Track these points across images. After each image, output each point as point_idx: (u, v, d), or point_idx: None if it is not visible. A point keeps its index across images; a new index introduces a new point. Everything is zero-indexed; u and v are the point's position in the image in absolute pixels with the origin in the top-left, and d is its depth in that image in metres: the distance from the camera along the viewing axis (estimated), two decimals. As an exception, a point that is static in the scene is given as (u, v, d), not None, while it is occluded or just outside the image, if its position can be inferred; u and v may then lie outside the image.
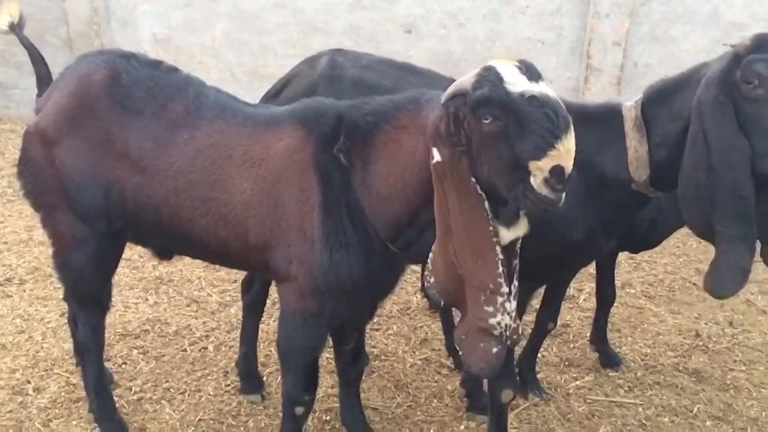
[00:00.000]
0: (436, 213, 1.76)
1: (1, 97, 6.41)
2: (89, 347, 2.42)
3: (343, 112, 1.97)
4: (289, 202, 1.96)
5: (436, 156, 1.68)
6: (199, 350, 3.08)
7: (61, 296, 3.41)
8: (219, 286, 3.64)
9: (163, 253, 2.35)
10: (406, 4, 5.55)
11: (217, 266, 3.13)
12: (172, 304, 3.46)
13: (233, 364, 2.90)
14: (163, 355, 3.03)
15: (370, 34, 5.68)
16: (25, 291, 3.49)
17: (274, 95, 2.77)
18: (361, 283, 1.94)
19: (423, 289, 2.42)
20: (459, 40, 5.60)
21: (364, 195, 1.90)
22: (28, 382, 2.80)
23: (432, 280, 1.90)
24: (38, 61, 2.44)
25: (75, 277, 2.29)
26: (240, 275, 3.53)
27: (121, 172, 2.08)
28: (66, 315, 3.23)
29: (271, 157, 1.99)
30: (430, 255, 1.89)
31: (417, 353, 3.09)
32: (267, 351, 3.06)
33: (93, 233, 2.19)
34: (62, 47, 6.00)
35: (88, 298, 2.35)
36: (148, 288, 3.58)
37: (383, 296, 2.20)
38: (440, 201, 1.73)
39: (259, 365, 2.86)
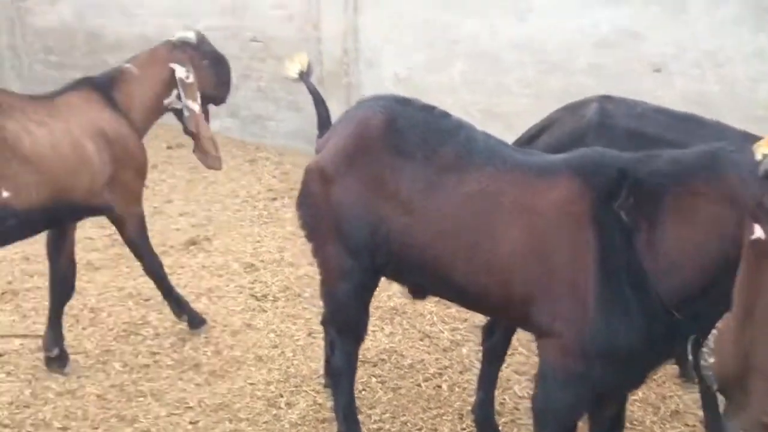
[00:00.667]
0: (737, 292, 1.57)
1: (260, 127, 7.19)
2: (342, 373, 2.55)
3: (627, 166, 1.87)
4: (560, 255, 1.90)
5: (758, 232, 1.51)
6: (434, 387, 3.11)
7: (308, 316, 3.71)
8: (450, 323, 3.67)
9: (419, 291, 2.42)
10: (656, 42, 5.24)
11: (448, 302, 3.15)
12: (406, 336, 3.55)
13: (469, 408, 2.88)
14: (400, 387, 3.11)
15: (613, 73, 5.44)
16: (277, 308, 3.82)
17: (528, 141, 2.74)
18: (637, 350, 1.81)
19: (695, 365, 2.20)
20: (716, 81, 5.14)
21: (648, 258, 1.77)
22: (281, 396, 3.03)
23: (711, 360, 1.71)
24: (320, 105, 2.67)
25: (337, 305, 2.44)
26: (471, 314, 3.54)
27: (391, 212, 2.18)
28: (313, 335, 3.52)
29: (542, 206, 1.95)
30: (714, 332, 1.70)
31: (667, 426, 2.82)
32: (501, 399, 3.00)
33: (358, 267, 2.32)
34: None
35: (346, 326, 2.49)
36: (383, 317, 3.71)
37: (658, 364, 2.03)
38: (748, 281, 1.54)
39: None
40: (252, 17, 6.82)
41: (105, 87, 3.10)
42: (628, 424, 2.82)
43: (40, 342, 3.41)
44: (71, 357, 3.26)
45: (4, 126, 2.53)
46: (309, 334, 3.55)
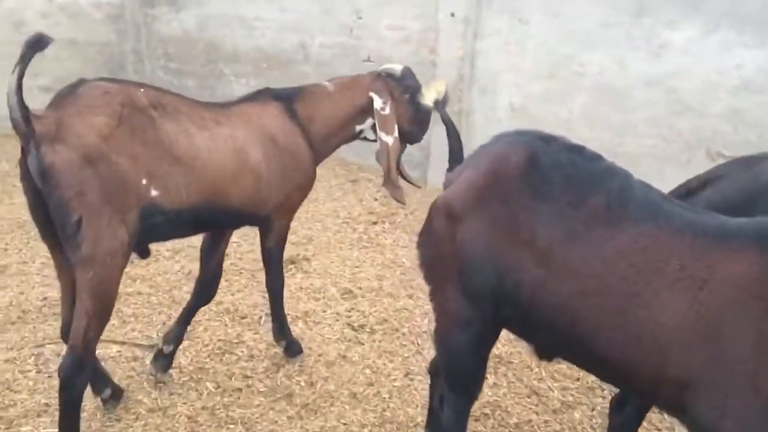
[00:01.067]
0: None
1: (364, 147, 7.08)
2: (450, 433, 2.31)
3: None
4: (739, 344, 1.59)
5: None
6: (543, 455, 2.82)
7: (406, 354, 3.50)
8: (560, 381, 3.35)
9: (545, 352, 2.15)
10: (810, 90, 4.73)
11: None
12: (511, 390, 3.26)
13: (584, 486, 2.57)
14: (505, 450, 2.83)
15: (754, 119, 4.96)
16: (374, 341, 3.63)
17: (685, 195, 2.42)
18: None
19: None
20: None
21: None
22: (376, 441, 2.83)
23: None
24: (453, 137, 2.48)
25: (452, 357, 2.21)
26: (583, 373, 3.22)
27: (523, 260, 1.93)
28: (410, 375, 3.29)
29: (720, 281, 1.65)
30: None
31: None
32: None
33: (479, 316, 2.09)
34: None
35: (460, 381, 2.25)
36: (488, 367, 3.44)
37: None
38: None
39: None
40: (368, 36, 6.77)
41: (287, 98, 3.07)
42: None
43: (137, 351, 3.38)
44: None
45: (163, 127, 2.50)
46: (406, 375, 3.33)
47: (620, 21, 5.40)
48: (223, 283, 4.13)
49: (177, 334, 3.16)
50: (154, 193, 2.46)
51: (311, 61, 7.23)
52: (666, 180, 5.43)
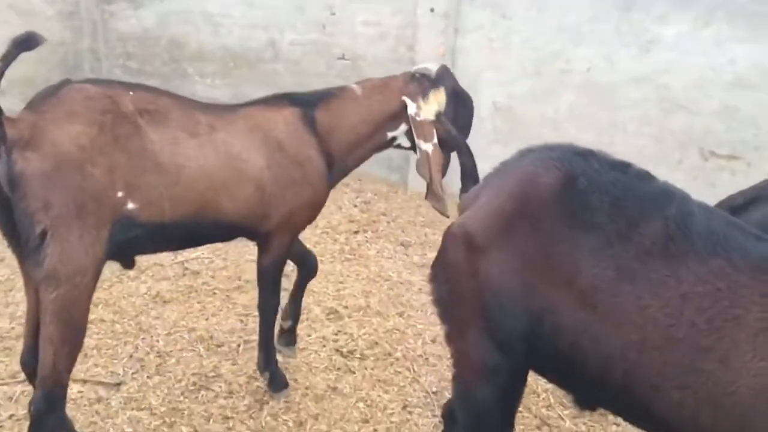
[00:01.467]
0: None
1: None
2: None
3: None
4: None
5: None
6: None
7: (402, 383, 3.19)
8: (570, 408, 3.09)
9: (587, 403, 1.86)
10: (807, 86, 4.56)
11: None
12: (519, 421, 2.98)
13: None
14: (520, 495, 2.55)
15: (748, 117, 4.78)
16: (366, 368, 3.31)
17: (729, 214, 2.15)
18: None
19: None
20: None
21: None
22: (376, 492, 2.52)
23: None
24: (464, 153, 2.18)
25: (475, 412, 1.90)
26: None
27: (562, 301, 1.64)
28: (408, 408, 2.99)
29: None
30: None
31: None
32: None
33: (507, 365, 1.80)
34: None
35: (486, 438, 1.95)
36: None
37: None
38: None
39: None
40: (342, 33, 6.42)
41: (307, 103, 2.80)
42: None
43: (101, 390, 3.01)
44: (135, 413, 2.83)
45: (148, 135, 2.30)
46: (404, 407, 3.03)
47: (608, 16, 5.16)
48: (195, 306, 3.81)
49: (293, 308, 3.22)
50: (131, 205, 2.26)
51: (281, 59, 6.85)
52: (658, 181, 5.28)
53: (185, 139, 2.40)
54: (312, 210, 2.84)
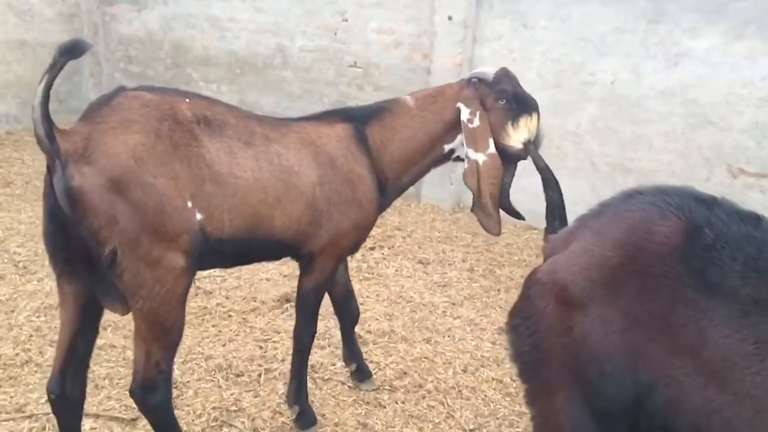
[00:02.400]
0: None
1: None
2: None
3: None
4: None
5: None
6: None
7: (436, 419, 2.99)
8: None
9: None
10: (843, 104, 4.41)
11: None
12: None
13: None
14: None
15: (781, 135, 4.63)
16: (396, 402, 3.10)
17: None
18: None
19: None
20: None
21: None
22: None
23: None
24: (552, 188, 1.97)
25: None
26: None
27: (683, 373, 1.41)
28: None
29: None
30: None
31: None
32: None
33: None
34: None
35: None
36: None
37: None
38: None
39: None
40: (354, 40, 6.23)
41: (358, 119, 2.66)
42: None
43: (115, 427, 2.79)
44: (153, 454, 2.62)
45: (205, 144, 2.20)
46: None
47: (635, 27, 5.00)
48: (210, 330, 3.60)
49: (350, 353, 3.17)
50: (199, 216, 2.16)
51: (290, 65, 6.65)
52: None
53: (241, 149, 2.29)
54: (359, 233, 2.65)
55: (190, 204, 2.11)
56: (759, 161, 4.74)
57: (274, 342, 3.51)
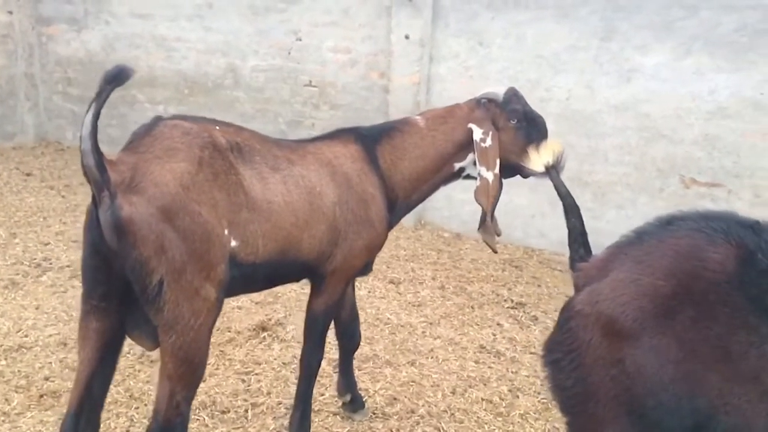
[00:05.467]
0: None
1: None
2: None
3: None
4: None
5: None
6: None
7: None
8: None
9: None
10: (785, 116, 4.66)
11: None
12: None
13: None
14: None
15: (729, 146, 4.85)
16: (392, 430, 3.05)
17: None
18: None
19: None
20: None
21: None
22: None
23: None
24: (574, 214, 1.95)
25: None
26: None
27: (743, 400, 1.43)
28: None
29: None
30: None
31: None
32: None
33: None
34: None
35: None
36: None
37: None
38: None
39: None
40: (308, 60, 6.17)
41: (369, 139, 2.69)
42: None
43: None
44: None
45: (240, 170, 2.21)
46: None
47: (588, 45, 5.16)
48: (188, 365, 3.43)
49: (347, 383, 3.08)
50: (233, 243, 2.15)
51: (242, 85, 6.53)
52: (638, 209, 5.28)
53: (270, 173, 2.31)
54: (369, 252, 2.65)
55: (226, 231, 2.11)
56: (710, 171, 4.95)
57: (256, 374, 3.39)
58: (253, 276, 2.27)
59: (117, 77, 1.80)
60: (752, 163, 4.81)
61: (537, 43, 5.32)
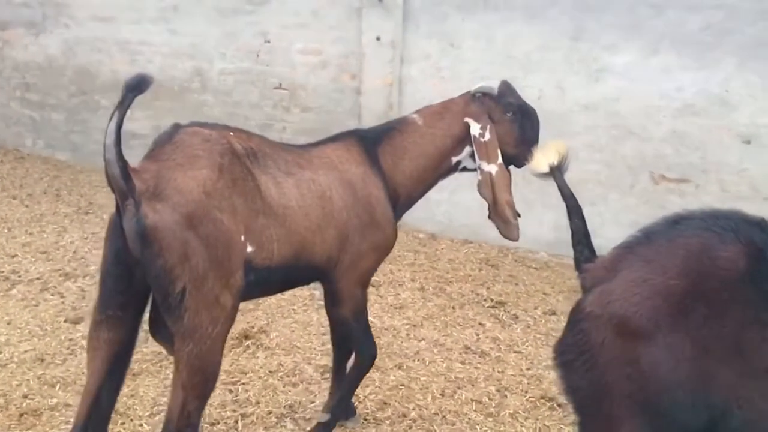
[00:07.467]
0: None
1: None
2: None
3: None
4: None
5: None
6: None
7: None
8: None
9: None
10: (749, 112, 4.81)
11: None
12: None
13: None
14: None
15: (696, 142, 4.98)
16: (383, 434, 3.04)
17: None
18: None
19: None
20: (817, 157, 4.74)
21: None
22: None
23: None
24: (576, 215, 1.98)
25: None
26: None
27: (756, 394, 1.46)
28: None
29: None
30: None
31: None
32: None
33: None
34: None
35: None
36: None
37: None
38: None
39: None
40: (277, 62, 6.11)
41: (370, 141, 2.71)
42: None
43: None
44: None
45: (256, 175, 2.23)
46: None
47: (558, 45, 5.23)
48: (170, 377, 3.35)
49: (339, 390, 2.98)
50: (249, 249, 2.18)
51: (210, 89, 6.43)
52: (610, 205, 5.38)
53: (284, 178, 2.34)
54: (378, 254, 2.67)
55: (243, 238, 2.13)
56: (678, 168, 5.08)
57: (243, 384, 3.33)
58: (267, 280, 2.28)
59: (138, 85, 1.81)
60: (718, 159, 4.94)
61: (507, 43, 5.37)
